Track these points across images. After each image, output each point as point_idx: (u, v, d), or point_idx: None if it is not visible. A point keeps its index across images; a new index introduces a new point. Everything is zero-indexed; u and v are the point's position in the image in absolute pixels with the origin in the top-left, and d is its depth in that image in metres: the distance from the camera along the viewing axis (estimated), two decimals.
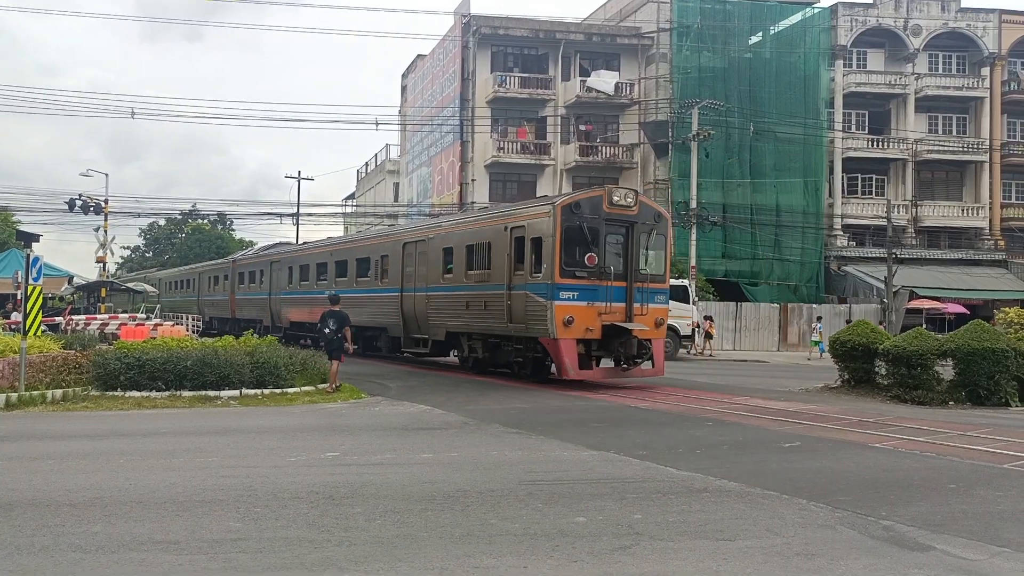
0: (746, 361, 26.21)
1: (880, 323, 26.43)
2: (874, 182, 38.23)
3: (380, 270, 19.78)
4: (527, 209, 14.94)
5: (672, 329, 25.73)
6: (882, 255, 33.09)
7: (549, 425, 9.82)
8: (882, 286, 32.17)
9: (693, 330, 26.16)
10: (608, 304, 13.73)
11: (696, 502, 5.97)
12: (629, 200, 14.19)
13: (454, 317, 16.32)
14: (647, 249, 14.40)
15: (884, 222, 33.22)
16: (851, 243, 37.21)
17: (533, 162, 37.19)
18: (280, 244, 32.28)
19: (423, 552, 4.66)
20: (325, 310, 14.00)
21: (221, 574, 4.25)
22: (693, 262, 30.59)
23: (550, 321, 13.41)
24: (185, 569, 4.32)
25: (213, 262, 38.89)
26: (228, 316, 30.37)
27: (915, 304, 32.46)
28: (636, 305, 13.99)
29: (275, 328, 25.13)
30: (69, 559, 4.44)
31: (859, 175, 37.99)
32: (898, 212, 36.14)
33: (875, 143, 37.82)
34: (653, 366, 14.61)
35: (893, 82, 37.76)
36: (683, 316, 25.92)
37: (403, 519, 5.35)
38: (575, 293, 13.57)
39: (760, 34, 37.17)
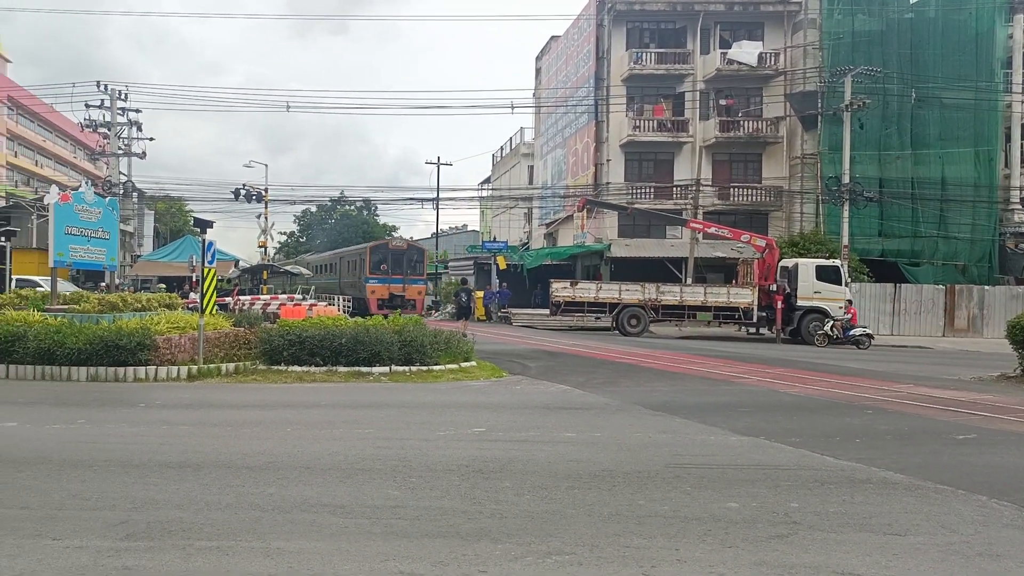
0: (906, 347, 24.32)
1: None
2: None
3: (334, 268, 38.21)
4: (363, 248, 33.45)
5: (822, 312, 24.42)
6: None
7: (694, 409, 9.61)
8: None
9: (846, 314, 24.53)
10: (391, 285, 30.70)
11: (858, 493, 5.63)
12: (402, 244, 33.52)
13: (348, 287, 33.87)
14: (411, 263, 31.79)
15: None
16: None
17: (670, 140, 36.19)
18: (308, 254, 55.09)
19: (572, 529, 4.70)
20: (460, 288, 25.48)
21: (383, 538, 4.49)
22: (845, 241, 28.75)
23: (367, 291, 30.89)
24: (351, 532, 4.60)
25: (288, 260, 57.91)
26: None
27: None
28: (406, 286, 30.91)
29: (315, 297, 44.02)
30: (250, 516, 4.86)
31: None
32: None
33: None
34: (415, 310, 29.78)
35: None
36: (835, 298, 24.42)
37: (550, 495, 5.42)
38: (377, 280, 30.85)
39: None
